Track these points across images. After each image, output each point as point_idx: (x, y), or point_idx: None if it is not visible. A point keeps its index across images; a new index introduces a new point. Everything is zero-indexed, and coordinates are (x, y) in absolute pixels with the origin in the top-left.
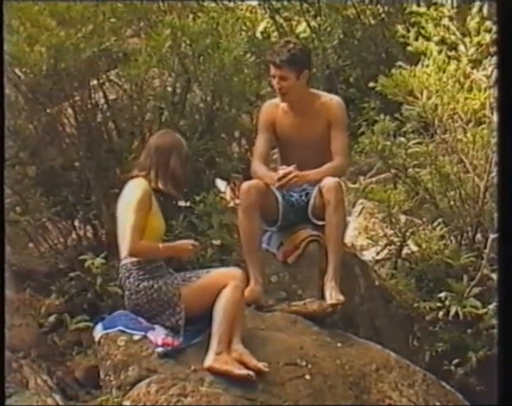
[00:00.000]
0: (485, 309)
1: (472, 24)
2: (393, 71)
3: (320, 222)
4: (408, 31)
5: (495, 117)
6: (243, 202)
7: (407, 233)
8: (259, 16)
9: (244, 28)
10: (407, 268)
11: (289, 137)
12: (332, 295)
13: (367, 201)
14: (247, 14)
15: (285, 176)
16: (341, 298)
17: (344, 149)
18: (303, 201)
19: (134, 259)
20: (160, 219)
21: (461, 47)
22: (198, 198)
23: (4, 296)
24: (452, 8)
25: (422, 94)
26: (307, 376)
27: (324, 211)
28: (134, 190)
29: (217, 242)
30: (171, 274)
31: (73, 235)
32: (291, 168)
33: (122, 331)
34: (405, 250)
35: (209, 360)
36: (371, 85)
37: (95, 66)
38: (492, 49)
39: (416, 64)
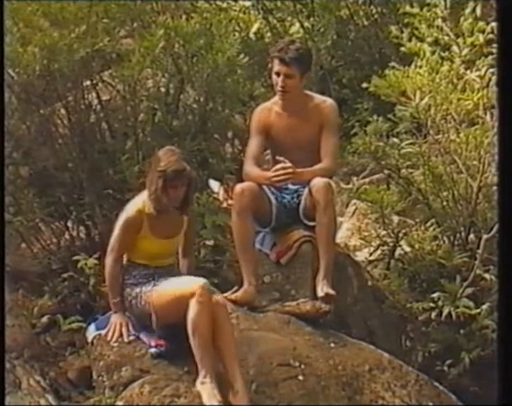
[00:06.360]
0: (478, 310)
1: (466, 24)
2: (386, 72)
3: (311, 223)
4: (401, 32)
5: (488, 117)
6: (237, 204)
7: (400, 234)
8: (253, 17)
9: (237, 29)
10: (400, 269)
11: (282, 139)
12: (323, 289)
13: (360, 202)
14: (241, 15)
15: (282, 169)
16: (331, 291)
17: (333, 151)
18: (295, 203)
19: (128, 263)
20: (151, 242)
21: (455, 48)
22: None
23: (4, 297)
24: (445, 8)
25: (415, 95)
26: (301, 377)
27: (314, 212)
28: (128, 209)
29: (210, 242)
30: (153, 280)
31: (66, 236)
32: (289, 164)
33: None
34: (398, 251)
35: (198, 384)
36: (364, 85)
37: (89, 67)
38: (486, 50)
39: (409, 65)
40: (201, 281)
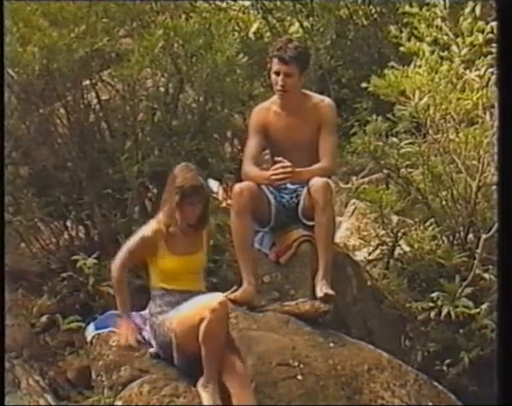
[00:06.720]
0: (477, 310)
1: (465, 24)
2: (385, 71)
3: (310, 223)
4: (401, 32)
5: (487, 117)
6: (235, 204)
7: (399, 234)
8: (252, 16)
9: (237, 28)
10: (399, 268)
11: (280, 139)
12: (322, 289)
13: (360, 202)
14: (240, 15)
15: (281, 168)
16: (330, 291)
17: (332, 151)
18: (294, 202)
19: (156, 292)
20: (170, 260)
21: (454, 48)
22: None
23: (4, 296)
24: (445, 8)
25: (414, 94)
26: (300, 377)
27: (313, 212)
28: (146, 227)
29: (210, 242)
30: (177, 304)
31: (66, 235)
32: (288, 163)
33: (114, 332)
34: (397, 250)
35: (199, 386)
36: (363, 85)
37: (88, 66)
38: (485, 49)
39: (408, 65)
40: (219, 297)
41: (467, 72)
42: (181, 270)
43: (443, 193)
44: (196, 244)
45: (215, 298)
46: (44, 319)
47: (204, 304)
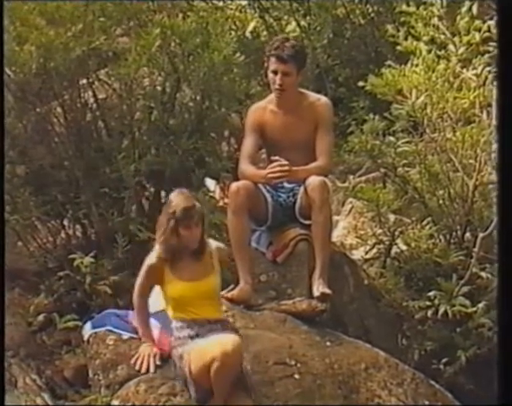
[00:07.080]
0: (474, 308)
1: (462, 23)
2: (382, 70)
3: (307, 222)
4: (398, 31)
5: (484, 116)
6: (232, 203)
7: (396, 232)
8: (249, 15)
9: (234, 27)
10: (396, 267)
11: (277, 138)
12: (319, 288)
13: (357, 200)
14: (237, 14)
15: (278, 166)
16: (327, 290)
17: (328, 150)
18: (291, 201)
19: (175, 324)
20: (181, 286)
21: (451, 47)
22: None
23: (4, 295)
24: (442, 7)
25: (411, 93)
26: (297, 376)
27: (310, 211)
28: (150, 255)
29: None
30: (196, 337)
31: (63, 234)
32: (285, 162)
33: (111, 331)
34: (394, 249)
35: None
36: (360, 84)
37: (85, 65)
38: (482, 48)
39: (405, 64)
40: (233, 340)
41: (464, 71)
42: (190, 296)
43: (440, 192)
44: (205, 269)
45: (229, 340)
46: (41, 318)
47: (217, 345)
